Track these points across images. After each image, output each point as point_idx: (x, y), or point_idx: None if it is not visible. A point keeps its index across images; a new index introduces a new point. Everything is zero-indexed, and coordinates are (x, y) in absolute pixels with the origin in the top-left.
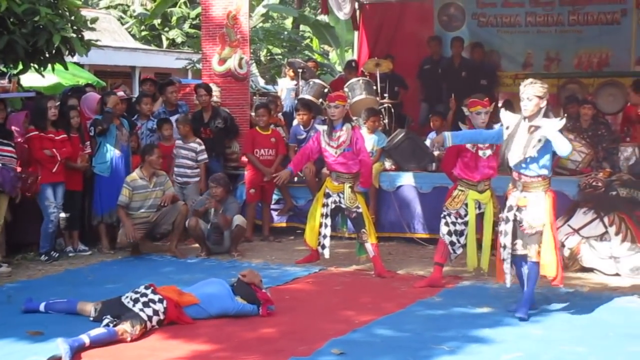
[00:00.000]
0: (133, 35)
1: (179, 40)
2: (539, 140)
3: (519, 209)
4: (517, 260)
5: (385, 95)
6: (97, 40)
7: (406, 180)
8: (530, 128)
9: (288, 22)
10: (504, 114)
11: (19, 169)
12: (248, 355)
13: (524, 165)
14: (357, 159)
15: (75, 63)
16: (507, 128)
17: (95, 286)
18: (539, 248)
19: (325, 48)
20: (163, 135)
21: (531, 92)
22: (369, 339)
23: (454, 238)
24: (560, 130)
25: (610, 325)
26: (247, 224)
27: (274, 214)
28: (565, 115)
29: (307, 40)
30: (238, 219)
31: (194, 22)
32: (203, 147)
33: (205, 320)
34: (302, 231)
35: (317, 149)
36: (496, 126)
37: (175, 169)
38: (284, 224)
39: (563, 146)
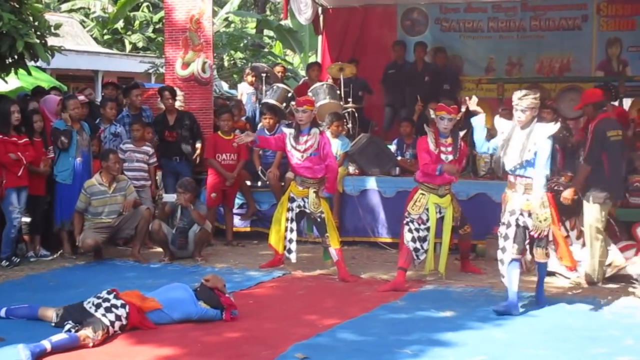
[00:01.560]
0: (95, 39)
1: (140, 44)
2: (534, 144)
3: (522, 213)
4: (513, 262)
5: (349, 99)
6: (60, 47)
7: (370, 184)
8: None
9: (251, 27)
10: (499, 121)
11: None
12: None
13: (521, 169)
14: (322, 164)
15: (37, 67)
16: (502, 133)
17: (56, 291)
18: (547, 250)
19: (287, 52)
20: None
21: (525, 104)
22: (333, 343)
23: (417, 244)
24: (553, 138)
25: (572, 328)
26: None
27: (237, 218)
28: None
29: (270, 45)
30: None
31: (157, 27)
32: (153, 150)
33: (169, 325)
34: (266, 235)
35: (280, 144)
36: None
37: (129, 173)
38: (248, 229)
39: (541, 161)
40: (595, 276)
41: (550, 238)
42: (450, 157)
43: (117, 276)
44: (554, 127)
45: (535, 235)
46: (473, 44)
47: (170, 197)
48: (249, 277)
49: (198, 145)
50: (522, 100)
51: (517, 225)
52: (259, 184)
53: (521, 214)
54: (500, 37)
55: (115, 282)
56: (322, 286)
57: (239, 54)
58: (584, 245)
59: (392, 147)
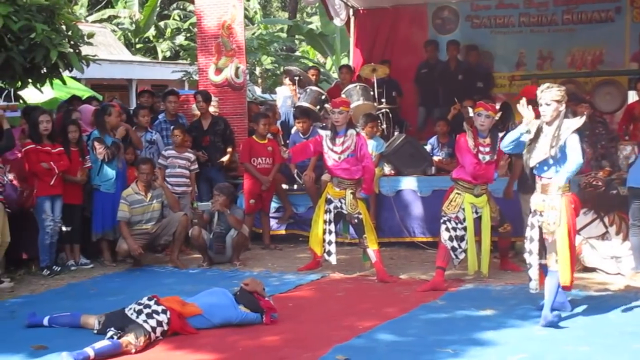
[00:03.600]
0: (127, 48)
1: (168, 54)
2: (559, 140)
3: (540, 214)
4: (544, 267)
5: (383, 100)
6: (94, 55)
7: (405, 184)
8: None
9: (282, 32)
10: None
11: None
12: None
13: (545, 168)
14: (359, 165)
15: (72, 77)
16: (529, 132)
17: (98, 299)
18: (557, 256)
19: (318, 56)
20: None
21: (549, 97)
22: (372, 344)
23: (455, 243)
24: (581, 133)
25: (614, 324)
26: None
27: (274, 222)
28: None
29: (302, 50)
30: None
31: (187, 34)
32: (195, 157)
33: (209, 330)
34: (303, 238)
35: (317, 148)
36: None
37: (171, 179)
38: (282, 232)
39: (573, 155)
40: None
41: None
42: (488, 158)
43: (157, 282)
44: (578, 121)
45: (545, 239)
46: (503, 39)
47: (205, 205)
48: (287, 281)
49: (229, 150)
50: (545, 92)
51: (539, 227)
52: (295, 187)
53: (540, 214)
54: (531, 32)
55: (154, 288)
56: (361, 288)
57: (271, 59)
58: (624, 240)
59: (427, 147)
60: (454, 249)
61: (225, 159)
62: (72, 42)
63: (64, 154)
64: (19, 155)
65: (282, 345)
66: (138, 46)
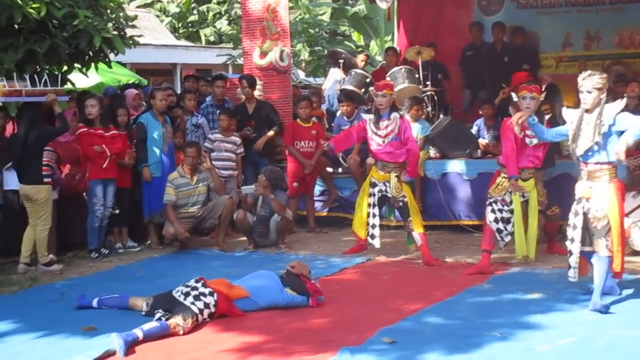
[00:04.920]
0: (172, 33)
1: (211, 39)
2: (604, 124)
3: (586, 200)
4: (587, 254)
5: (428, 83)
6: (139, 36)
7: (451, 167)
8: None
9: (326, 17)
10: (566, 112)
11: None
12: (299, 346)
13: (590, 154)
14: (403, 148)
15: (117, 62)
16: (572, 123)
17: (145, 281)
18: (607, 242)
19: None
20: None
21: (590, 84)
22: (419, 327)
23: (500, 225)
24: (633, 112)
25: None
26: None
27: (319, 204)
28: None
29: (345, 31)
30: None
31: (230, 19)
32: (241, 140)
33: (255, 312)
34: (348, 222)
35: (361, 134)
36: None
37: (217, 162)
38: (324, 213)
39: (634, 122)
40: None
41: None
42: (535, 141)
43: (203, 265)
44: (619, 105)
45: (593, 226)
46: (549, 20)
47: (249, 189)
48: (332, 264)
49: (270, 133)
50: (587, 80)
51: (584, 214)
52: (340, 170)
53: (586, 201)
54: (578, 12)
55: (201, 271)
56: (407, 271)
57: (315, 42)
58: None
59: (473, 130)
60: (499, 231)
61: (260, 141)
62: (116, 26)
63: (117, 137)
64: (71, 138)
65: (329, 328)
66: (181, 31)
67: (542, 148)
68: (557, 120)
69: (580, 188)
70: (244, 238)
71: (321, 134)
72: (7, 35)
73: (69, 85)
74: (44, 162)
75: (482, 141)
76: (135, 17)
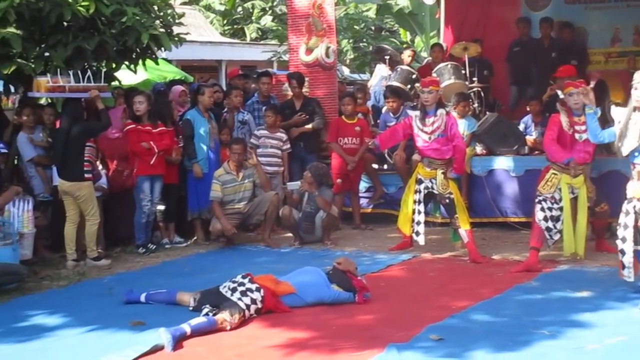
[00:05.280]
0: (217, 30)
1: (253, 35)
2: None
3: (638, 200)
4: (638, 253)
5: (474, 79)
6: (186, 34)
7: (498, 164)
8: None
9: (371, 13)
10: (615, 110)
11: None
12: (346, 342)
13: (636, 154)
14: (450, 144)
15: (163, 59)
16: (619, 122)
17: (192, 277)
18: None
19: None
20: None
21: None
22: (467, 324)
23: (550, 224)
24: None
25: None
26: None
27: (364, 201)
28: None
29: (391, 27)
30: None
31: (274, 16)
32: (287, 137)
33: (302, 308)
34: (394, 218)
35: (407, 131)
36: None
37: (263, 159)
38: (369, 210)
39: None
40: None
41: None
42: (585, 136)
43: (249, 261)
44: None
45: None
46: (598, 14)
47: (294, 185)
48: (378, 260)
49: (308, 126)
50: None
51: (636, 213)
52: (385, 166)
53: (638, 201)
54: (628, 6)
55: (247, 267)
56: (453, 268)
57: (360, 38)
58: None
59: (520, 126)
60: (548, 229)
61: (295, 131)
62: (163, 24)
63: (165, 133)
64: (120, 134)
65: (375, 324)
66: (226, 28)
67: (592, 143)
68: (606, 118)
69: (631, 188)
70: (290, 234)
71: (366, 130)
72: (57, 32)
73: (115, 83)
74: (85, 158)
75: (530, 138)
76: (183, 15)
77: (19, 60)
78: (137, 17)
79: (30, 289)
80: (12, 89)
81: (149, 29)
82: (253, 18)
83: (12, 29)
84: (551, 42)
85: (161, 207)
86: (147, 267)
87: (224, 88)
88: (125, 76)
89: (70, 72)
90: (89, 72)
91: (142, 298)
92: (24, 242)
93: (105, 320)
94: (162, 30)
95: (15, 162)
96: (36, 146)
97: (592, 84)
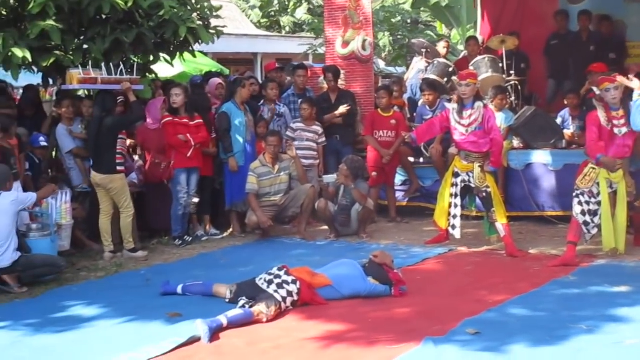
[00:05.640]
0: (252, 22)
1: (287, 29)
2: None
3: None
4: None
5: (512, 72)
6: (223, 27)
7: (535, 158)
8: None
9: (407, 5)
10: None
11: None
12: (382, 335)
13: None
14: (487, 137)
15: (200, 51)
16: None
17: (228, 269)
18: None
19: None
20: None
21: None
22: (504, 318)
23: (587, 218)
24: None
25: None
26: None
27: (400, 194)
28: None
29: (427, 20)
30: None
31: (309, 8)
32: (322, 130)
33: (338, 301)
34: (430, 212)
35: (444, 124)
36: None
37: (298, 152)
38: (404, 203)
39: None
40: None
41: None
42: (625, 130)
43: (285, 254)
44: None
45: None
46: (637, 7)
47: (330, 178)
48: (414, 254)
49: (342, 109)
50: None
51: None
52: (422, 160)
53: None
54: None
55: (283, 259)
56: (489, 262)
57: (396, 32)
58: None
59: (558, 120)
60: (586, 223)
61: (329, 117)
62: (201, 16)
63: (203, 126)
64: (158, 126)
65: (412, 318)
66: (262, 20)
67: (632, 136)
68: None
69: None
70: (326, 227)
71: (401, 123)
72: (95, 25)
73: (151, 75)
74: (117, 151)
75: (567, 132)
76: (220, 8)
77: (57, 52)
78: (175, 10)
79: (68, 280)
80: (51, 81)
81: (186, 22)
82: (289, 10)
83: (51, 22)
84: (589, 35)
85: (195, 200)
86: (184, 259)
87: (260, 81)
88: (162, 69)
89: (103, 65)
90: (121, 65)
91: (179, 290)
92: (62, 233)
93: (142, 311)
94: (199, 23)
95: (54, 154)
96: (75, 138)
97: (632, 76)
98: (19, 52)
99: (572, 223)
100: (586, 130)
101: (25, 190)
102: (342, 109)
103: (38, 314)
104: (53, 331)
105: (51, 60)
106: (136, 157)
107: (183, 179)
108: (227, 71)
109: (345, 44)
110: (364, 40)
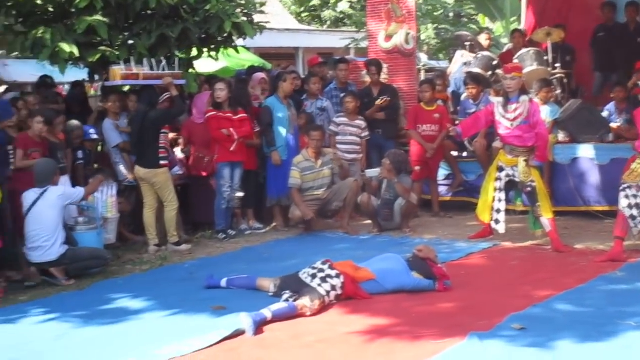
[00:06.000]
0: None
1: (328, 23)
2: None
3: None
4: None
5: (557, 65)
6: (266, 22)
7: (581, 152)
8: None
9: None
10: None
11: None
12: (427, 329)
13: None
14: (532, 132)
15: (242, 46)
16: None
17: (271, 263)
18: None
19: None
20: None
21: None
22: (550, 314)
23: (634, 212)
24: None
25: None
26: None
27: (444, 189)
28: None
29: (470, 13)
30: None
31: (351, 2)
32: (366, 124)
33: (382, 295)
34: (473, 206)
35: (489, 118)
36: None
37: (341, 146)
38: (448, 198)
39: None
40: None
41: None
42: None
43: (328, 248)
44: None
45: None
46: None
47: (373, 172)
48: (458, 248)
49: (379, 101)
50: None
51: None
52: (465, 154)
53: None
54: None
55: (326, 253)
56: (535, 257)
57: (439, 25)
58: None
59: (604, 114)
60: (632, 217)
61: (372, 111)
62: (245, 12)
63: (246, 120)
64: (201, 120)
65: (457, 312)
66: (303, 15)
67: None
68: None
69: None
70: (368, 221)
71: (445, 117)
72: (141, 20)
73: (193, 70)
74: (160, 145)
75: (614, 125)
76: (264, 3)
77: (103, 48)
78: (221, 5)
79: (114, 273)
80: (96, 76)
81: (231, 17)
82: (330, 4)
83: (98, 17)
84: (637, 27)
85: (240, 194)
86: (227, 253)
87: (302, 75)
88: (205, 64)
89: (145, 60)
90: (163, 61)
91: (223, 283)
92: (108, 227)
93: (186, 304)
94: (244, 18)
95: (100, 148)
96: (121, 132)
97: None
98: (66, 48)
99: (618, 217)
100: (636, 126)
101: (76, 180)
102: (380, 101)
103: (85, 307)
104: (100, 323)
105: (98, 56)
106: (177, 150)
107: (226, 173)
108: (269, 65)
109: (388, 37)
110: (407, 34)
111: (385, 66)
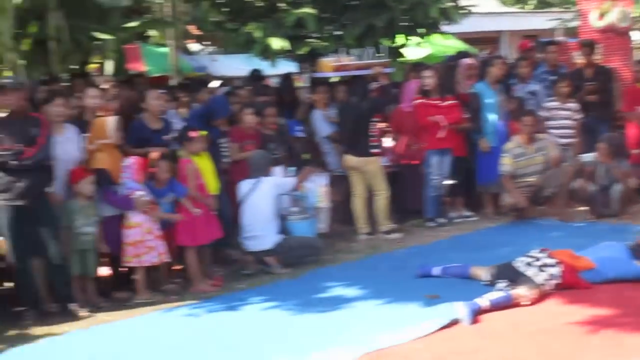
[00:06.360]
0: None
1: (532, 5)
2: None
3: None
4: None
5: None
6: (472, 6)
7: None
8: None
9: None
10: None
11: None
12: None
13: None
14: None
15: (445, 32)
16: None
17: (483, 251)
18: None
19: None
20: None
21: None
22: None
23: None
24: None
25: None
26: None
27: None
28: None
29: None
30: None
31: None
32: (579, 106)
33: (603, 284)
34: None
35: None
36: None
37: (554, 131)
38: None
39: None
40: None
41: None
42: None
43: (542, 235)
44: None
45: None
46: None
47: (588, 157)
48: None
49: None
50: None
51: None
52: None
53: None
54: None
55: (541, 241)
56: None
57: None
58: None
59: None
60: None
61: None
62: None
63: (456, 106)
64: (410, 109)
65: None
66: None
67: None
68: None
69: None
70: (583, 208)
71: None
72: (347, 11)
73: (401, 58)
74: (372, 134)
75: None
76: None
77: (311, 40)
78: None
79: (326, 261)
80: (302, 68)
81: (437, 3)
82: None
83: (307, 9)
84: None
85: (449, 182)
86: (438, 241)
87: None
88: (410, 52)
89: (352, 50)
90: (372, 50)
91: (435, 271)
92: (320, 216)
93: (400, 293)
94: (450, 3)
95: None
96: (331, 123)
97: None
98: (277, 43)
99: None
100: None
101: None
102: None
103: (301, 295)
104: (317, 311)
105: (307, 49)
106: (386, 140)
107: (435, 160)
108: (474, 51)
109: (601, 16)
110: (623, 11)
111: (598, 46)
